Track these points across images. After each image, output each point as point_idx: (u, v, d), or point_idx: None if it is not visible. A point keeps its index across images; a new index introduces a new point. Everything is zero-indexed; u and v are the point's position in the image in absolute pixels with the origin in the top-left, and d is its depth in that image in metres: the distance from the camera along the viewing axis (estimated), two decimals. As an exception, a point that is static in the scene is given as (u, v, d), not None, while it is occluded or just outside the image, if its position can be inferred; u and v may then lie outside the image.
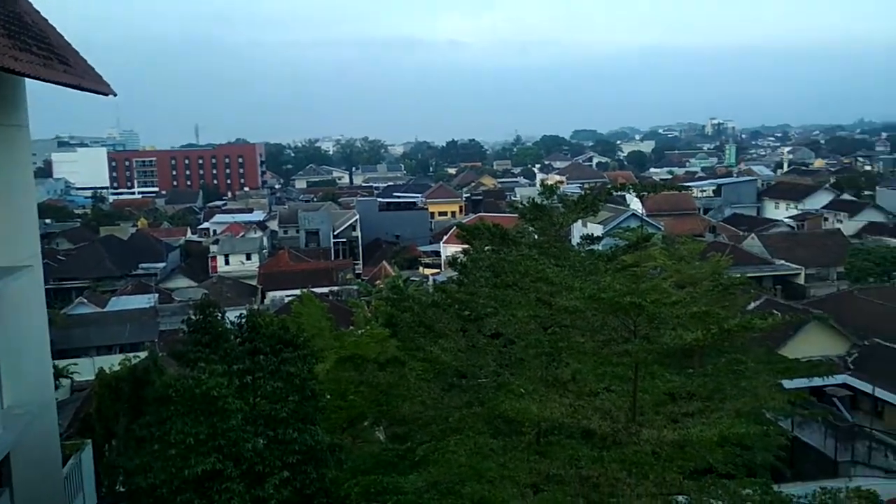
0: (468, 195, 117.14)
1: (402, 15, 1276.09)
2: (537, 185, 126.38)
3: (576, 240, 26.26)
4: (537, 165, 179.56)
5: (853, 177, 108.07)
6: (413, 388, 17.83)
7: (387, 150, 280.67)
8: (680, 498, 13.38)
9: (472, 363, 17.53)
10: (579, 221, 24.29)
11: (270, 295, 65.43)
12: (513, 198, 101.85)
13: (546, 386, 13.09)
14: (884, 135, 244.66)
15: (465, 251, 22.28)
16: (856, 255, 55.19)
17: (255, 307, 56.37)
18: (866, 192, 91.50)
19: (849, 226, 74.35)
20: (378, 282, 63.47)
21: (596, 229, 49.80)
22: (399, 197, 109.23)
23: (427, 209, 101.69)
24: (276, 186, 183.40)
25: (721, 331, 12.90)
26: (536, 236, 20.88)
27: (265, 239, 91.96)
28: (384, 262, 74.10)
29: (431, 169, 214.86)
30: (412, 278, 63.06)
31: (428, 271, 70.57)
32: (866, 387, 29.93)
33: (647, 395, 13.59)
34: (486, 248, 20.35)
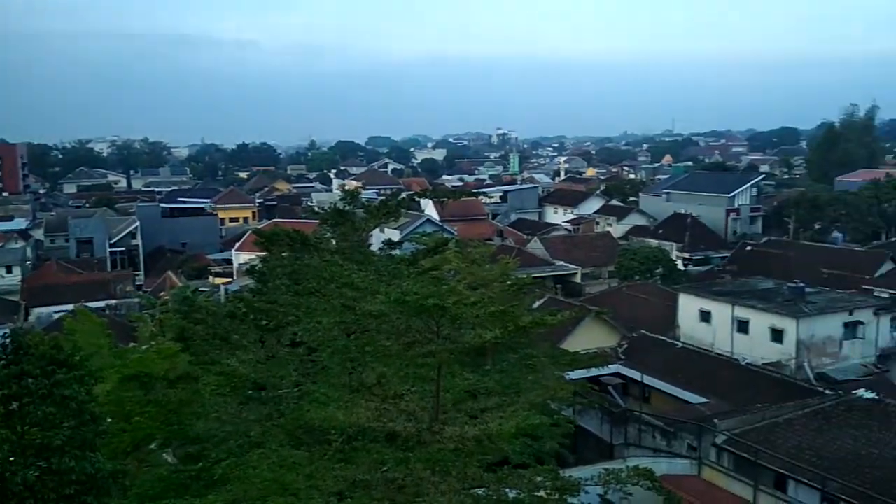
0: (261, 200, 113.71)
1: (186, 10, 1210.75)
2: (334, 190, 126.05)
3: (373, 246, 26.54)
4: (333, 171, 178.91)
5: (620, 184, 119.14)
6: (208, 405, 16.95)
7: (170, 152, 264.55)
8: (479, 490, 13.95)
9: (272, 374, 17.02)
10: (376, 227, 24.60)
11: (36, 311, 59.10)
12: (309, 203, 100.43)
13: (351, 392, 13.05)
14: (645, 146, 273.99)
15: (262, 258, 21.58)
16: (624, 255, 61.04)
17: (19, 325, 50.53)
18: (631, 198, 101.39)
19: (617, 229, 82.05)
20: (163, 294, 59.61)
21: (394, 235, 50.62)
22: (185, 202, 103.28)
23: (216, 215, 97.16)
24: (41, 191, 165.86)
25: (517, 328, 13.67)
26: (335, 242, 20.79)
27: (28, 249, 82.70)
28: (169, 272, 69.69)
29: (220, 173, 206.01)
30: (201, 289, 59.86)
31: (219, 280, 67.39)
32: (635, 374, 33.06)
33: (449, 393, 14.05)
34: (285, 254, 19.89)
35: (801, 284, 40.95)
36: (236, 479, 12.84)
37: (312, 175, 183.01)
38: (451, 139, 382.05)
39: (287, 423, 14.14)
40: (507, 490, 13.72)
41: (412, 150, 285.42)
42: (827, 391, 28.48)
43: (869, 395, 24.71)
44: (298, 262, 18.35)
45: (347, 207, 21.01)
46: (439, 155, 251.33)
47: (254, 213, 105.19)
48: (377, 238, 40.14)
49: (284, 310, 17.41)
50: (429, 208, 78.84)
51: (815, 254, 57.43)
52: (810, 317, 37.64)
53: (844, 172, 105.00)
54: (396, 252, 24.83)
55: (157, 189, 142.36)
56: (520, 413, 13.72)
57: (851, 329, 38.58)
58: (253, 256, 50.78)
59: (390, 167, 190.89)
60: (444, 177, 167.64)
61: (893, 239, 66.06)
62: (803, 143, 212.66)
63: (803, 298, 39.43)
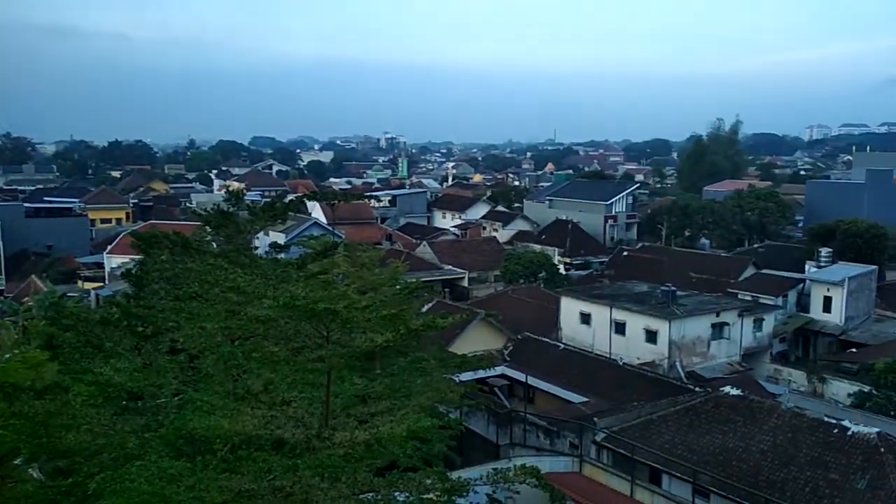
0: (136, 201, 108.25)
1: (58, 0, 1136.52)
2: (216, 191, 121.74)
3: (258, 249, 25.84)
4: (214, 171, 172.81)
5: (505, 191, 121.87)
6: (79, 416, 15.92)
7: (35, 149, 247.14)
8: (369, 495, 13.85)
9: (150, 383, 16.22)
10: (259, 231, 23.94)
11: None
12: (189, 204, 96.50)
13: (237, 399, 12.63)
14: (528, 154, 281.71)
15: (139, 262, 20.54)
16: (509, 259, 62.47)
17: None
18: (516, 205, 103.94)
19: (503, 234, 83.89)
20: (26, 299, 55.59)
21: (279, 238, 49.48)
22: (51, 202, 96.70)
23: (86, 216, 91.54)
24: None
25: (408, 331, 13.67)
26: (218, 245, 20.07)
27: None
28: (33, 276, 65.06)
29: (91, 171, 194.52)
30: (69, 294, 56.23)
31: (89, 285, 63.44)
32: (520, 376, 33.88)
33: (339, 398, 13.86)
34: (164, 257, 19.02)
35: (673, 288, 43.29)
36: (112, 493, 12.13)
37: (192, 175, 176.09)
38: (338, 141, 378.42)
39: (167, 434, 13.50)
40: (397, 493, 13.71)
41: (298, 151, 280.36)
42: (697, 389, 30.21)
43: (735, 391, 26.39)
44: (179, 266, 17.57)
45: (231, 209, 20.37)
46: (326, 157, 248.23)
47: (128, 214, 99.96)
48: (260, 242, 39.16)
49: (163, 315, 16.63)
50: (316, 211, 77.70)
51: (685, 259, 60.85)
52: (681, 318, 39.84)
53: (711, 182, 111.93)
54: (283, 255, 24.30)
55: (20, 188, 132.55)
56: (410, 416, 13.73)
57: (718, 330, 41.15)
58: (127, 260, 48.27)
59: (275, 168, 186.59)
60: (332, 179, 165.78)
61: (755, 245, 70.96)
62: (675, 155, 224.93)
63: (675, 301, 41.68)
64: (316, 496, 12.68)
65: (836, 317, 47.02)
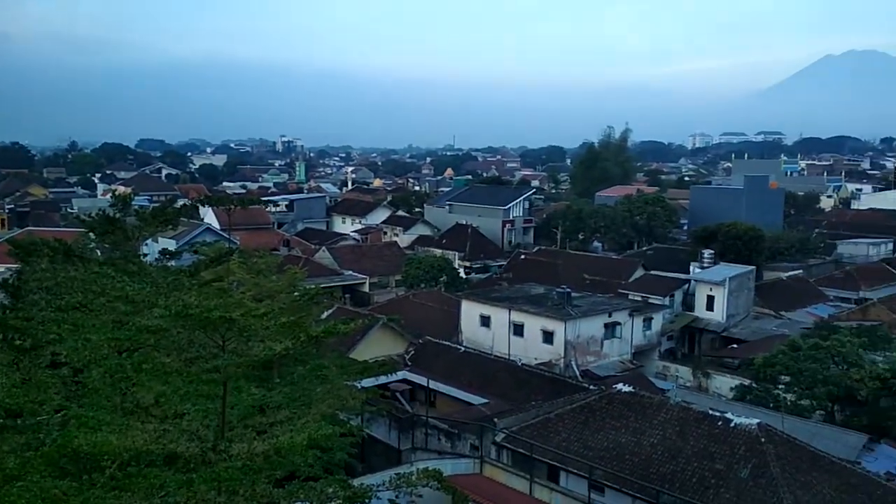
0: (12, 206, 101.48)
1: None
2: (100, 196, 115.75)
3: (147, 256, 24.73)
4: (98, 175, 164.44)
5: (406, 196, 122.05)
6: (-51, 437, 14.76)
7: None
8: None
9: (29, 399, 15.20)
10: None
11: None
12: (70, 210, 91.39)
13: (126, 414, 12.03)
14: (428, 159, 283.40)
15: (16, 271, 19.28)
16: (410, 264, 62.57)
17: None
18: (417, 209, 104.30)
19: (404, 238, 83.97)
20: None
21: (170, 244, 47.62)
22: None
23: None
24: None
25: (308, 338, 13.43)
26: (103, 252, 19.11)
27: None
28: None
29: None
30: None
31: (-40, 296, 59.06)
32: (421, 380, 34.00)
33: (236, 409, 13.46)
34: (44, 266, 17.92)
35: (568, 290, 44.63)
36: (-13, 520, 11.30)
37: (73, 179, 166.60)
38: (232, 145, 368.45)
39: (50, 452, 12.68)
40: (298, 504, 13.48)
41: (189, 154, 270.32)
42: (591, 387, 31.21)
43: (626, 388, 27.43)
44: (61, 275, 16.58)
45: (117, 214, 19.45)
46: (220, 161, 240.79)
47: (3, 220, 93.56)
48: (150, 248, 37.55)
49: (44, 327, 15.64)
50: (209, 216, 75.28)
51: (579, 261, 62.84)
52: (576, 319, 41.11)
53: (603, 188, 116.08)
54: (174, 263, 23.34)
55: None
56: (310, 425, 13.50)
57: (611, 329, 42.72)
58: (3, 269, 45.17)
59: (164, 172, 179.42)
60: (226, 183, 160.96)
61: (644, 248, 74.12)
62: (569, 161, 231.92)
63: (570, 302, 42.98)
64: (213, 511, 12.26)
65: (719, 315, 49.75)
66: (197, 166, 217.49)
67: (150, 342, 13.82)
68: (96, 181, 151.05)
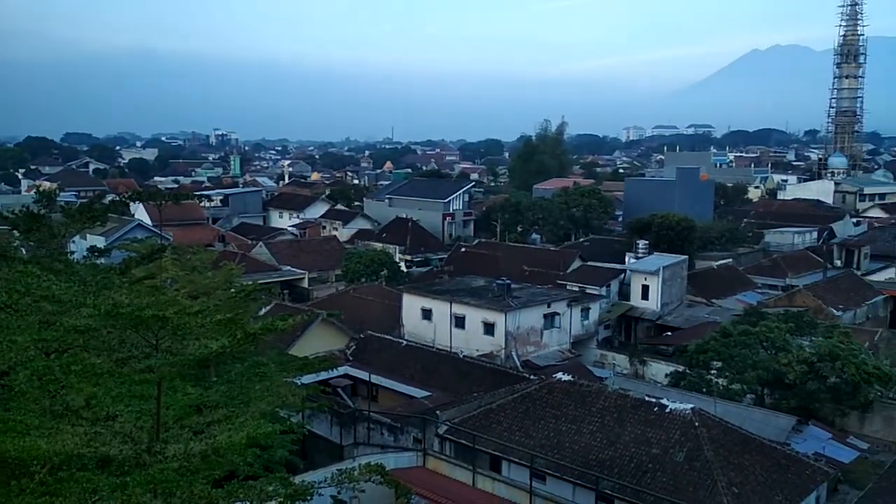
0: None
1: None
2: (24, 191, 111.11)
3: (75, 254, 23.87)
4: (21, 170, 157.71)
5: (344, 189, 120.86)
6: None
7: None
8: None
9: (-50, 405, 14.51)
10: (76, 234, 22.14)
11: None
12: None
13: (55, 417, 11.58)
14: (367, 152, 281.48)
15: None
16: (350, 258, 62.10)
17: None
18: (356, 203, 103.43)
19: (343, 233, 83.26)
20: None
21: (98, 241, 46.06)
22: None
23: None
24: None
25: (246, 335, 13.16)
26: (26, 251, 18.34)
27: None
28: None
29: None
30: None
31: None
32: (363, 374, 33.86)
33: (171, 410, 13.12)
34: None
35: (508, 281, 45.05)
36: None
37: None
38: (163, 138, 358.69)
39: (-27, 460, 12.16)
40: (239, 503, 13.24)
41: (118, 148, 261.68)
42: (532, 377, 31.61)
43: (566, 377, 27.87)
44: (-18, 274, 15.85)
45: (42, 211, 18.72)
46: (150, 155, 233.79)
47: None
48: (80, 246, 36.24)
49: (-35, 330, 14.94)
50: (140, 212, 73.12)
51: (518, 253, 63.49)
52: (516, 310, 41.53)
53: (540, 181, 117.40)
54: (104, 260, 22.59)
55: None
56: (250, 423, 13.26)
57: (550, 320, 43.32)
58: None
59: (92, 167, 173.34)
60: (157, 178, 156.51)
61: (581, 239, 75.35)
62: (507, 154, 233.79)
63: (510, 294, 43.38)
64: (148, 514, 11.93)
65: (654, 303, 50.99)
66: (126, 161, 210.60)
67: (80, 343, 13.33)
68: (20, 177, 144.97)
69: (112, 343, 13.02)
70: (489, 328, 41.52)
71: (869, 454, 30.99)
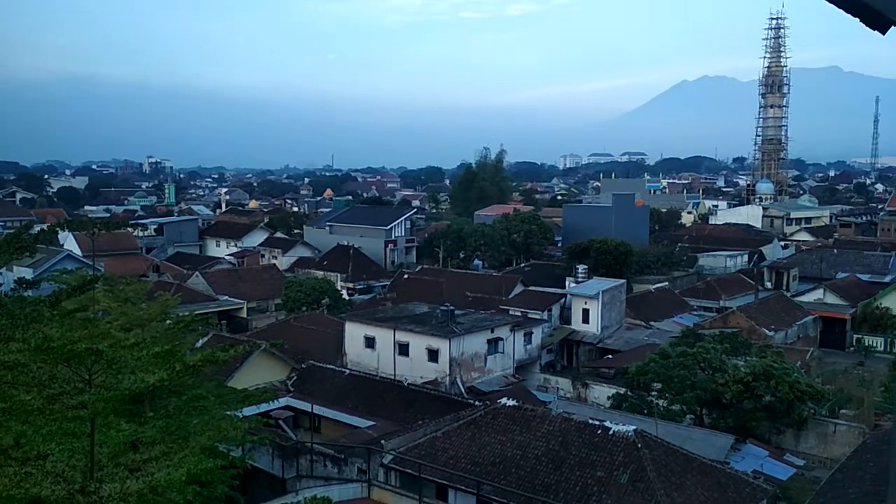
0: None
1: None
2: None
3: (1, 286, 22.86)
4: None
5: (284, 217, 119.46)
6: None
7: None
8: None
9: None
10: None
11: None
12: None
13: (-20, 459, 10.95)
14: (306, 180, 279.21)
15: None
16: (290, 287, 61.10)
17: None
18: (296, 231, 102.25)
19: (283, 261, 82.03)
20: None
21: (26, 273, 44.30)
22: None
23: None
24: None
25: (184, 368, 12.73)
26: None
27: None
28: None
29: None
30: None
31: None
32: (305, 405, 33.16)
33: (106, 447, 12.56)
34: None
35: (451, 307, 45.00)
36: None
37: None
38: (94, 166, 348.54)
39: None
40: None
41: (47, 177, 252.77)
42: (476, 403, 31.53)
43: (510, 402, 27.89)
44: None
45: (-33, 242, 17.88)
46: (80, 183, 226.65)
47: None
48: (7, 278, 34.74)
49: None
50: (69, 242, 70.69)
51: (461, 279, 63.62)
52: (460, 336, 41.49)
53: (481, 207, 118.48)
54: (32, 293, 21.69)
55: None
56: (189, 459, 12.79)
57: (493, 345, 43.41)
58: None
59: (19, 196, 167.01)
60: (88, 207, 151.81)
61: (522, 264, 76.08)
62: (447, 181, 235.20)
63: (453, 320, 43.34)
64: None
65: (594, 327, 51.68)
66: (55, 189, 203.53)
67: (8, 379, 12.67)
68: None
69: (42, 379, 12.42)
70: (433, 355, 41.32)
71: (805, 471, 31.87)
